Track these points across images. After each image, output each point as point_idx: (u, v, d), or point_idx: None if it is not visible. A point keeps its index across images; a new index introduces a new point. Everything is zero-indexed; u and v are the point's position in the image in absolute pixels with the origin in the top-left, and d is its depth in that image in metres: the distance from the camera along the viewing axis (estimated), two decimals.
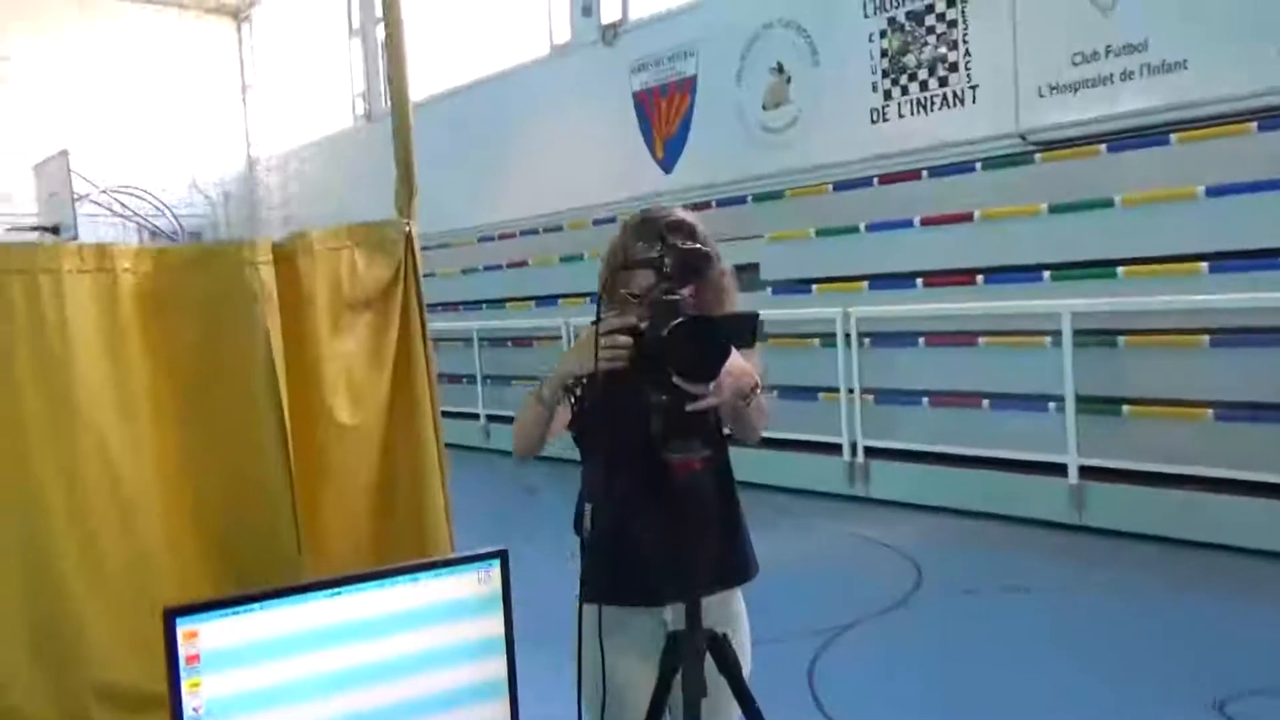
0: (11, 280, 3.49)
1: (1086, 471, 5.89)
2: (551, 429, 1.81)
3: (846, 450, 7.16)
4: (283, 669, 1.45)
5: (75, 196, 14.53)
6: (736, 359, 1.62)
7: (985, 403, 6.55)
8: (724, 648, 1.69)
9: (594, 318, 1.73)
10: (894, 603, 4.88)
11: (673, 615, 1.91)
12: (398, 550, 4.25)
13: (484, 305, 11.19)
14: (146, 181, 16.85)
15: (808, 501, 7.24)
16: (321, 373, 4.13)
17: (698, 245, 1.63)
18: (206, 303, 3.89)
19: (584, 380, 1.68)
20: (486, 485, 9.35)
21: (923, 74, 8.12)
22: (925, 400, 6.90)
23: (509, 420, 9.31)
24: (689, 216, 1.93)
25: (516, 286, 10.87)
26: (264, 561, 3.95)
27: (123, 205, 15.55)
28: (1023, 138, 7.46)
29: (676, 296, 1.65)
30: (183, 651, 1.39)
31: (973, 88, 7.81)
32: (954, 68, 7.91)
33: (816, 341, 7.57)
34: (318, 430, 4.14)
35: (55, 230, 14.25)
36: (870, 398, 7.14)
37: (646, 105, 10.62)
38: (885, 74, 8.38)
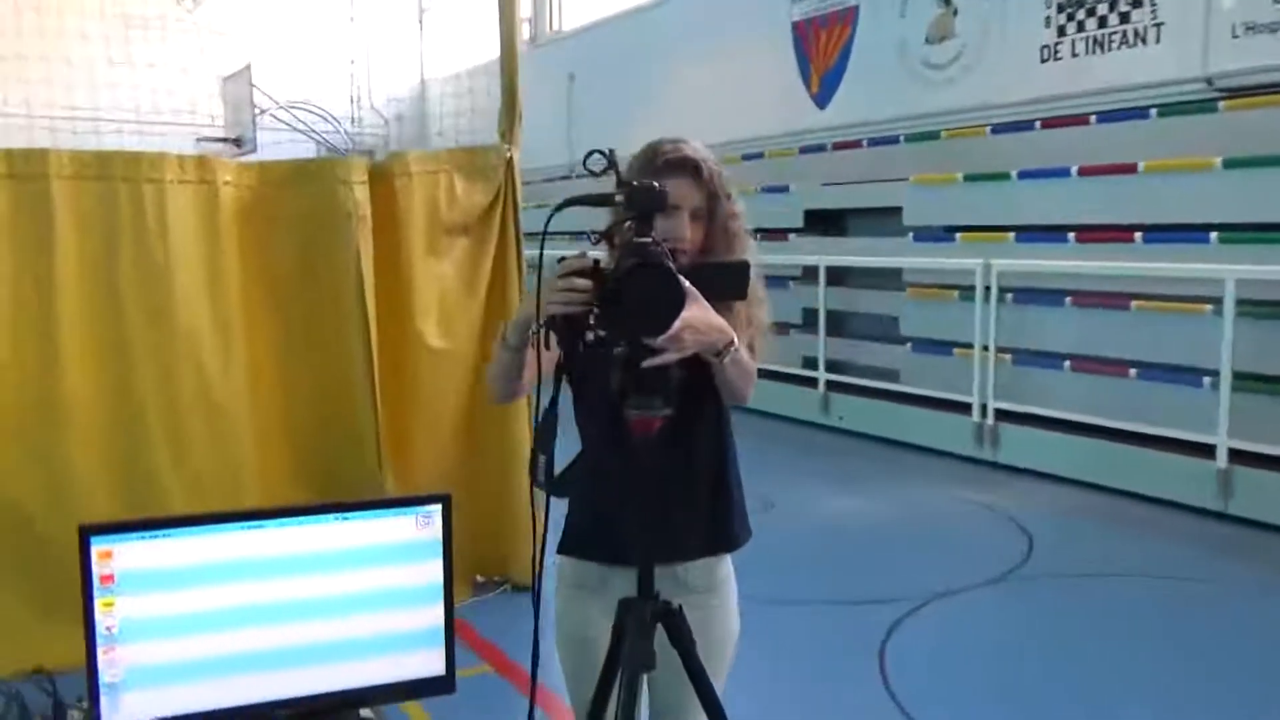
0: (118, 188, 3.65)
1: (1237, 455, 5.36)
2: (531, 372, 1.69)
3: (976, 411, 6.77)
4: (200, 597, 1.42)
5: (257, 111, 15.27)
6: (702, 313, 1.47)
7: (1132, 372, 6.04)
8: (678, 621, 1.56)
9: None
10: (994, 577, 4.60)
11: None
12: (481, 478, 4.30)
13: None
14: (324, 99, 17.58)
15: (932, 461, 6.93)
16: (413, 295, 4.18)
17: (653, 184, 1.47)
18: (302, 219, 3.99)
19: (543, 324, 1.57)
20: None
21: (1103, 8, 7.42)
22: (1066, 364, 6.42)
23: None
24: (695, 152, 1.77)
25: None
26: (346, 474, 4.07)
27: (300, 120, 16.29)
28: (1208, 82, 6.72)
29: (647, 239, 1.50)
30: (97, 570, 1.37)
31: (1157, 25, 7.07)
32: (1138, 2, 7.18)
33: (955, 294, 7.16)
34: (407, 352, 4.21)
35: (237, 142, 15.04)
36: (1007, 357, 6.71)
37: (805, 36, 10.18)
38: (1061, 8, 7.70)
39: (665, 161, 1.78)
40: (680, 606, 1.58)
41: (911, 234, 7.68)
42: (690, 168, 1.76)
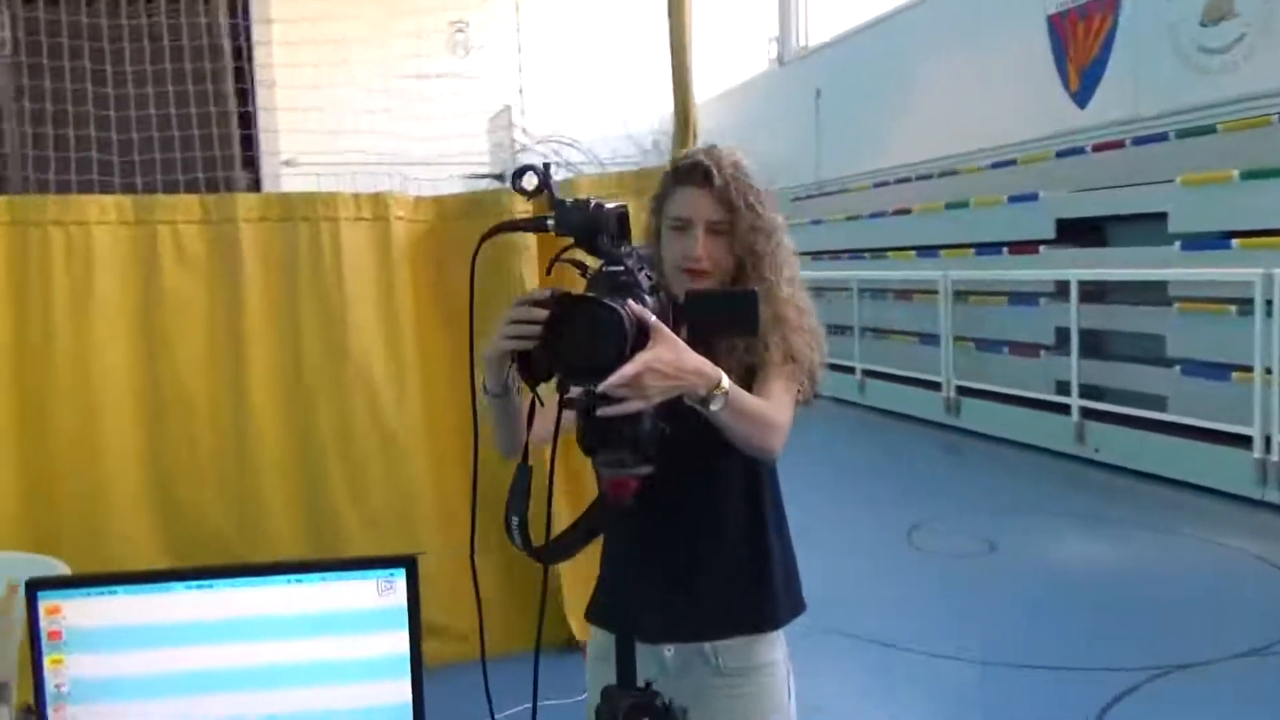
0: (298, 228, 3.82)
1: None
2: (538, 421, 1.51)
3: (1258, 444, 5.82)
4: (148, 659, 1.35)
5: (517, 148, 16.11)
6: (672, 354, 1.23)
7: None
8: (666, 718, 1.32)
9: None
10: (1254, 648, 3.87)
11: (672, 654, 1.56)
12: None
13: (866, 254, 10.65)
14: (581, 131, 18.25)
15: (1202, 501, 6.03)
16: None
17: (590, 201, 1.24)
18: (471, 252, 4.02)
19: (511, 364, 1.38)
20: (854, 443, 8.98)
21: None
22: None
23: (885, 376, 8.90)
24: (711, 156, 1.54)
25: (897, 235, 10.21)
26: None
27: (556, 154, 17.00)
28: None
29: (618, 267, 1.28)
30: (45, 626, 1.33)
31: None
32: None
33: (1232, 309, 6.20)
34: None
35: (499, 178, 15.91)
36: None
37: (1062, 29, 9.33)
38: None
39: (677, 170, 1.57)
40: (671, 702, 1.33)
41: (1179, 242, 6.76)
42: (700, 174, 1.54)
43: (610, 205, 1.24)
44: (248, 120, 5.09)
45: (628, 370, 1.19)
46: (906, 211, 10.22)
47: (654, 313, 1.29)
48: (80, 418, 3.52)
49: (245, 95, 5.22)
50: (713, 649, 1.54)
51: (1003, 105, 9.87)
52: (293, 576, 1.39)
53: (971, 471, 7.56)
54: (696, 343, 1.37)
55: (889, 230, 10.40)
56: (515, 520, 1.38)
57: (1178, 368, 6.62)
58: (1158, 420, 6.61)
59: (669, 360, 1.22)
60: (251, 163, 8.63)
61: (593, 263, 1.34)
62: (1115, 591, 4.65)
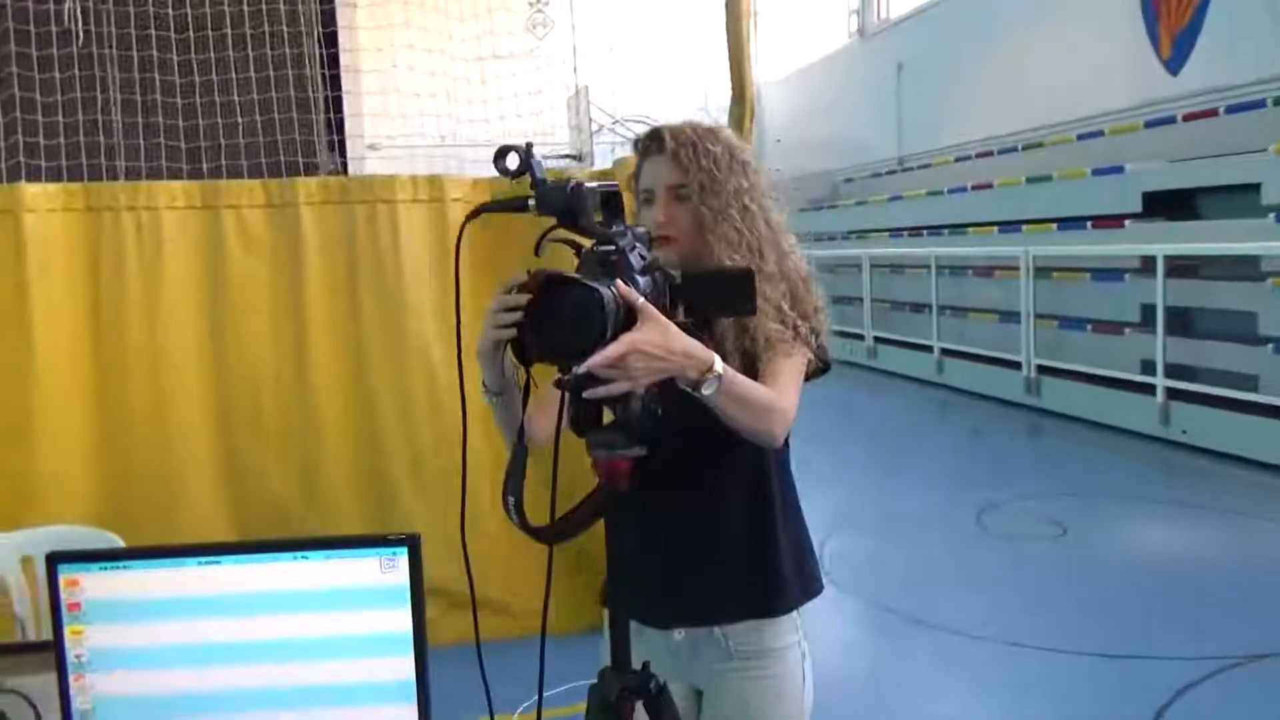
0: (356, 210, 3.90)
1: None
2: (545, 414, 1.51)
3: None
4: (162, 631, 1.40)
5: (594, 128, 16.16)
6: (659, 335, 1.21)
7: None
8: (662, 701, 1.31)
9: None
10: None
11: (683, 638, 1.56)
12: None
13: (946, 230, 10.41)
14: (659, 110, 18.16)
15: None
16: None
17: (569, 181, 1.22)
18: (534, 230, 4.04)
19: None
20: (930, 423, 8.82)
21: None
22: None
23: (964, 355, 8.65)
24: (670, 126, 1.54)
25: (978, 211, 9.94)
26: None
27: (632, 133, 16.95)
28: None
29: (610, 246, 1.27)
30: (65, 598, 1.39)
31: None
32: None
33: None
34: None
35: (578, 158, 15.99)
36: None
37: None
38: None
39: (641, 144, 1.57)
40: (665, 685, 1.33)
41: (1273, 214, 6.45)
42: (657, 143, 1.53)
43: (594, 184, 1.23)
44: (333, 106, 5.18)
45: (611, 351, 1.18)
46: (988, 186, 9.94)
47: (647, 293, 1.28)
48: (151, 395, 3.66)
49: (330, 81, 5.32)
50: (722, 633, 1.53)
51: (1090, 75, 9.52)
52: (298, 554, 1.42)
53: (1049, 453, 7.36)
54: (695, 322, 1.37)
55: (969, 205, 10.15)
56: (511, 500, 1.38)
57: (1270, 346, 6.33)
58: (1248, 401, 6.33)
59: (655, 342, 1.21)
60: (336, 147, 8.79)
61: (588, 242, 1.34)
62: (1194, 577, 4.49)
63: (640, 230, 1.39)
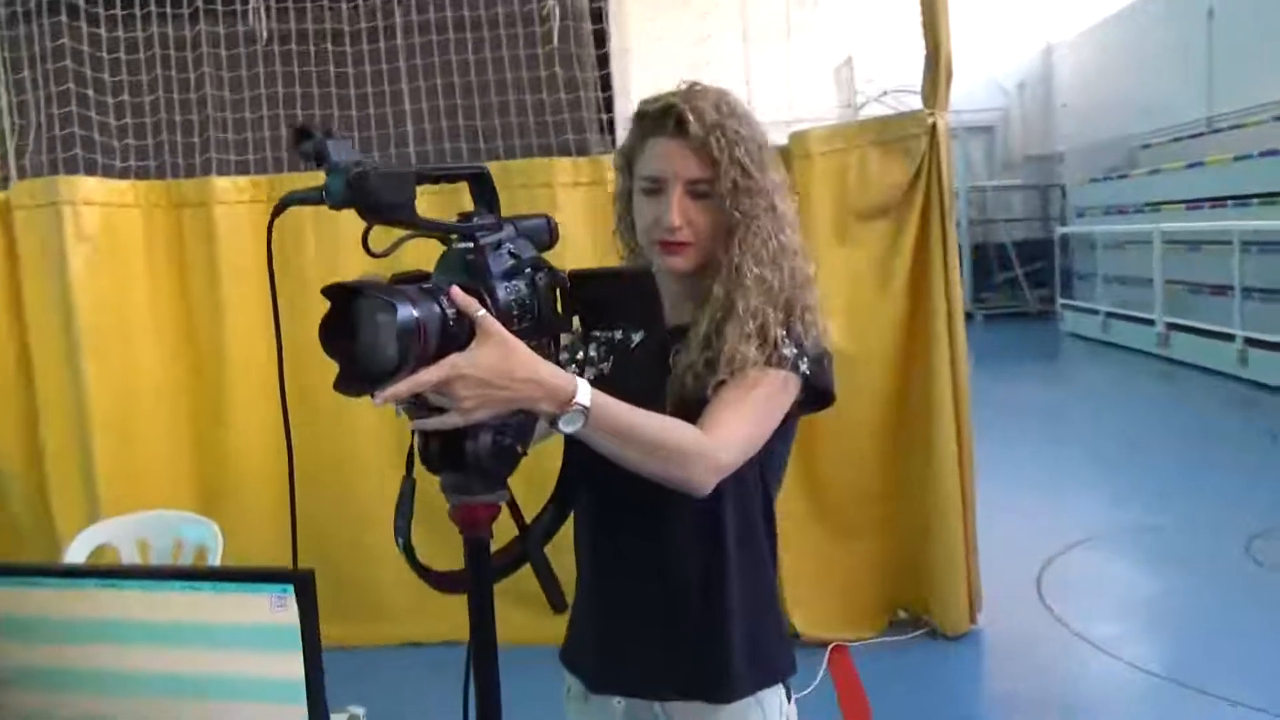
0: (517, 195, 3.83)
1: None
2: None
3: None
4: (58, 653, 1.34)
5: (860, 100, 15.53)
6: (498, 358, 0.96)
7: None
8: None
9: None
10: None
11: (623, 708, 1.29)
12: (902, 500, 3.74)
13: (1255, 201, 8.98)
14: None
15: None
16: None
17: (360, 162, 0.96)
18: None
19: None
20: (1222, 425, 7.67)
21: None
22: None
23: (1275, 346, 7.44)
24: (690, 101, 1.23)
25: None
26: None
27: (901, 104, 16.07)
28: None
29: (467, 244, 1.03)
30: None
31: None
32: None
33: None
34: None
35: None
36: None
37: None
38: None
39: (647, 119, 1.27)
40: None
41: None
42: (674, 122, 1.23)
43: (390, 170, 0.97)
44: (603, 85, 5.16)
45: (424, 377, 0.95)
46: None
47: (509, 301, 1.03)
48: None
49: (601, 60, 5.30)
50: (663, 709, 1.25)
51: None
52: (191, 584, 1.30)
53: None
54: (674, 332, 1.16)
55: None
56: (401, 540, 1.18)
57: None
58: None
59: (490, 365, 0.96)
60: (605, 126, 8.91)
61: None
62: None
63: (533, 222, 1.13)
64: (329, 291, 0.96)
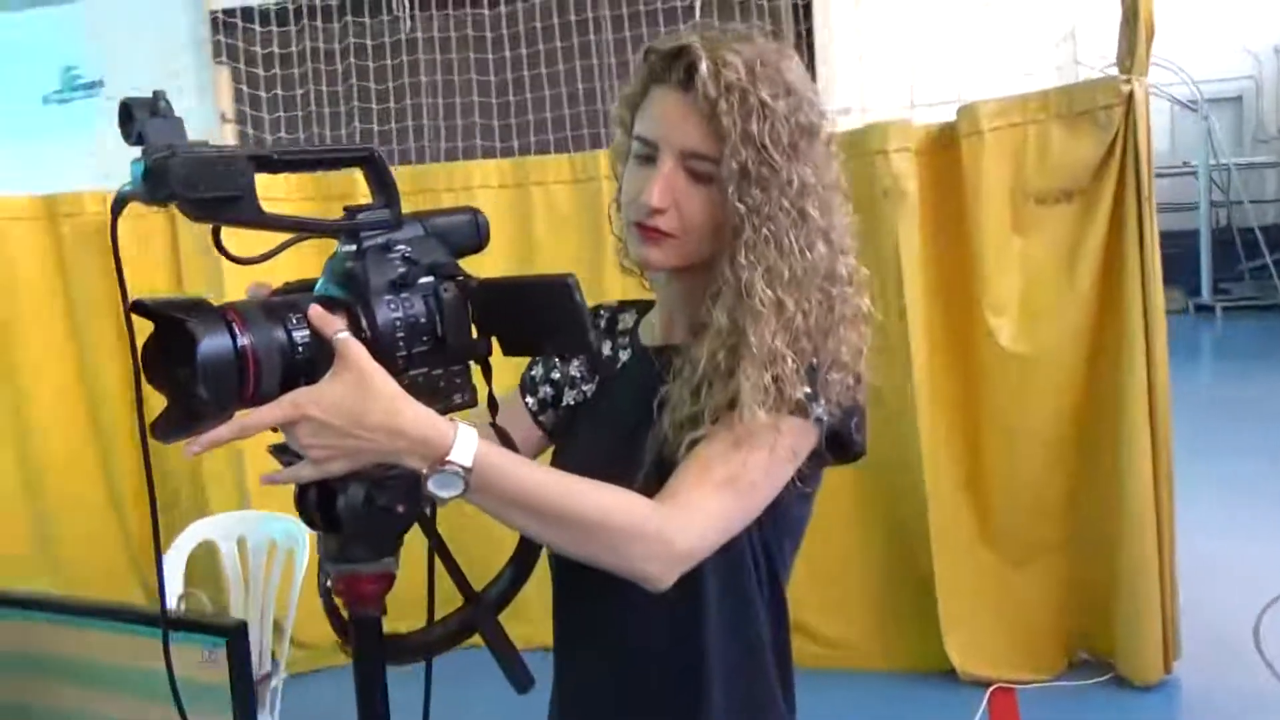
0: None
1: None
2: None
3: None
4: None
5: (1079, 75, 14.40)
6: (354, 397, 0.73)
7: None
8: None
9: None
10: None
11: None
12: (1086, 524, 3.28)
13: None
14: (1172, 49, 15.47)
15: None
16: (983, 284, 3.32)
17: (168, 143, 0.72)
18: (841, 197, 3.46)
19: None
20: None
21: None
22: None
23: None
24: (705, 44, 0.94)
25: None
26: (899, 508, 3.41)
27: (1127, 80, 14.68)
28: None
29: (350, 247, 0.80)
30: None
31: None
32: None
33: None
34: (974, 357, 3.37)
35: None
36: None
37: None
38: None
39: (654, 59, 0.98)
40: None
41: None
42: (682, 70, 0.94)
43: (206, 154, 0.73)
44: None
45: (257, 419, 0.73)
46: None
47: (405, 322, 0.80)
48: None
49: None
50: None
51: None
52: (129, 625, 1.16)
53: None
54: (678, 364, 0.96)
55: None
56: (323, 601, 0.98)
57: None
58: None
59: (335, 405, 0.74)
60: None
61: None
62: None
63: (450, 219, 0.88)
64: (139, 309, 0.75)
